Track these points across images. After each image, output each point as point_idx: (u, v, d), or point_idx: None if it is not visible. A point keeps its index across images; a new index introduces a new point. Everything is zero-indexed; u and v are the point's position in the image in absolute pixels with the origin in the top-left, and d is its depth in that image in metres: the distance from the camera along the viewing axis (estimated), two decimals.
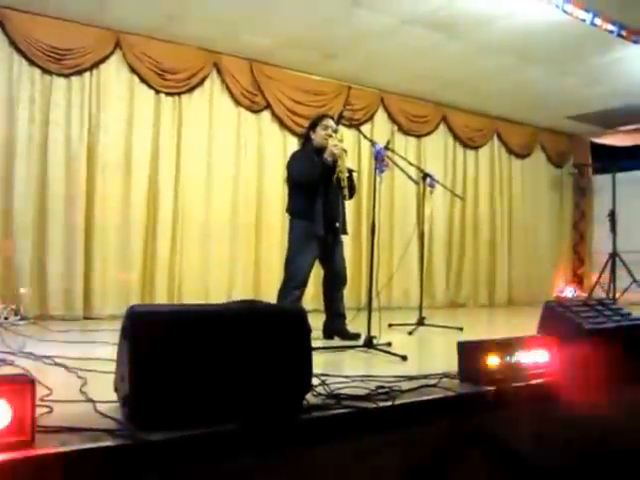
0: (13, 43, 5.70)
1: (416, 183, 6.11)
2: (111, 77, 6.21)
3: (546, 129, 9.89)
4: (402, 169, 5.40)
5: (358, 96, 7.80)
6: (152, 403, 2.01)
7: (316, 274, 5.23)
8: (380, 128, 8.01)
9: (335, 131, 4.80)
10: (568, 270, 10.45)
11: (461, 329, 5.34)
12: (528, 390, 2.86)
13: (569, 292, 10.02)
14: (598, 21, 5.67)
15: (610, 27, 5.80)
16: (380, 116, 8.10)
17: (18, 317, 5.35)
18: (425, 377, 2.88)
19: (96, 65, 6.10)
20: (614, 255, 9.26)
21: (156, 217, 6.41)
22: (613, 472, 3.17)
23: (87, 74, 6.08)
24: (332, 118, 4.93)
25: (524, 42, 6.26)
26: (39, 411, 1.91)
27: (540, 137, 9.90)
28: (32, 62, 5.78)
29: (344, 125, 5.35)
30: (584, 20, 5.62)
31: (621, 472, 3.20)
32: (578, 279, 10.50)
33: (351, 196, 4.77)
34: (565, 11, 5.46)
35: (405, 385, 2.71)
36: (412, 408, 2.48)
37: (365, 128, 7.65)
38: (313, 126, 4.87)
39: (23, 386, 1.80)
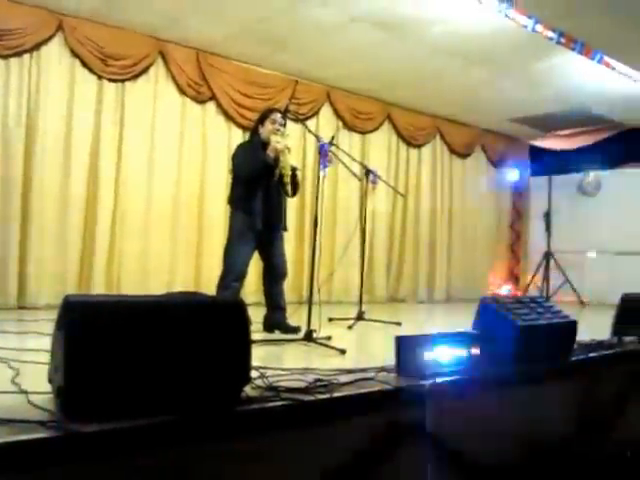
0: None
1: (359, 179, 6.17)
2: (52, 60, 6.04)
3: (487, 130, 10.13)
4: (345, 165, 5.46)
5: (305, 91, 7.81)
6: (87, 394, 1.98)
7: (258, 268, 5.22)
8: (325, 123, 8.05)
9: (283, 125, 4.80)
10: (504, 268, 10.73)
11: (399, 324, 5.44)
12: (461, 384, 2.94)
13: (505, 290, 10.30)
14: (539, 28, 5.85)
15: (550, 34, 5.98)
16: (326, 111, 8.14)
17: None
18: (363, 370, 2.92)
19: (37, 47, 5.92)
20: (548, 255, 9.58)
21: (95, 205, 6.27)
22: (539, 466, 3.29)
23: (27, 56, 5.90)
24: (280, 112, 4.92)
25: (467, 45, 6.39)
26: None
27: (481, 138, 10.13)
28: None
29: (290, 119, 5.35)
30: (526, 26, 5.78)
31: (548, 464, 3.33)
32: (514, 277, 10.80)
33: (294, 194, 4.79)
34: (507, 16, 5.60)
35: (343, 378, 2.75)
36: (350, 401, 2.52)
37: (311, 123, 7.68)
38: (262, 119, 4.85)
39: None
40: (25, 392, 2.25)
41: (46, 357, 2.26)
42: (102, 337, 2.01)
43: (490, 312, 3.46)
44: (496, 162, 10.45)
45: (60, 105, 6.10)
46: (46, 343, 2.34)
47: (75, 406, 1.96)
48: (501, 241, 10.72)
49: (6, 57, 5.78)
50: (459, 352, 3.06)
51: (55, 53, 6.06)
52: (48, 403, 2.09)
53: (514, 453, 3.13)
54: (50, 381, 2.17)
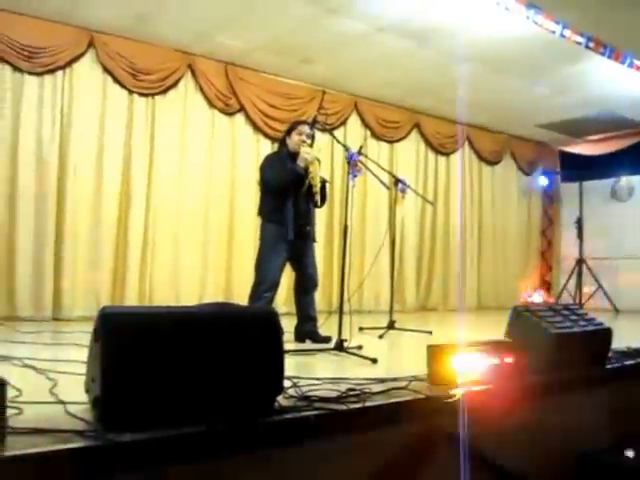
0: None
1: (388, 188, 6.16)
2: (84, 76, 6.16)
3: (516, 137, 10.04)
4: (374, 174, 5.45)
5: (332, 101, 7.84)
6: (123, 404, 2.01)
7: (289, 278, 5.24)
8: (353, 133, 8.07)
9: (311, 137, 4.83)
10: (536, 275, 10.61)
11: (430, 333, 5.41)
12: (494, 393, 2.92)
13: (537, 297, 10.17)
14: (567, 33, 5.80)
15: (579, 39, 5.93)
16: (353, 121, 8.16)
17: None
18: (395, 380, 2.91)
19: (69, 64, 6.05)
20: (581, 261, 9.45)
21: (128, 218, 6.36)
22: (573, 474, 3.24)
23: (60, 73, 6.03)
24: (308, 124, 4.95)
25: (495, 51, 6.36)
26: (9, 412, 1.90)
27: (510, 145, 10.05)
28: (3, 60, 5.71)
29: (318, 130, 5.37)
30: (554, 32, 5.74)
31: (580, 474, 3.28)
32: (546, 285, 10.67)
33: (322, 204, 4.81)
34: (535, 22, 5.57)
35: (375, 387, 2.74)
36: (382, 410, 2.52)
37: (338, 133, 7.70)
38: (289, 131, 4.90)
39: None
40: (63, 402, 2.29)
41: (82, 368, 2.30)
42: (137, 348, 2.04)
43: (522, 320, 3.44)
44: (526, 169, 10.35)
45: (92, 120, 6.21)
46: (81, 354, 2.38)
47: (111, 416, 1.99)
48: (532, 248, 10.60)
49: (40, 74, 5.91)
50: (492, 361, 3.04)
51: (87, 69, 6.19)
52: (85, 413, 2.12)
53: (547, 462, 3.09)
54: (87, 391, 2.20)
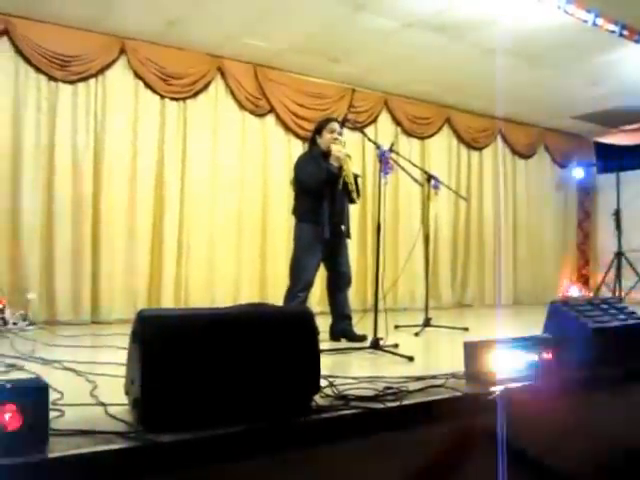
0: (19, 51, 5.74)
1: (420, 185, 6.12)
2: (116, 83, 6.25)
3: (550, 129, 9.89)
4: (406, 171, 5.42)
5: (362, 98, 7.82)
6: (162, 405, 2.04)
7: (322, 277, 5.25)
8: (384, 130, 8.04)
9: (340, 134, 4.82)
10: (573, 269, 10.44)
11: (467, 329, 5.36)
12: (534, 390, 2.88)
13: (574, 291, 10.01)
14: (600, 21, 5.69)
15: (612, 27, 5.81)
16: (384, 118, 8.13)
17: (27, 322, 5.37)
18: (432, 377, 2.90)
19: (101, 71, 6.15)
20: (619, 254, 9.26)
21: (162, 221, 6.44)
22: (622, 473, 3.18)
23: (92, 80, 6.12)
24: (337, 121, 4.95)
25: (526, 43, 6.28)
26: (51, 415, 1.93)
27: (544, 137, 9.90)
28: (38, 69, 5.83)
29: (348, 128, 5.38)
30: (586, 21, 5.64)
31: (629, 472, 3.21)
32: (583, 278, 10.49)
33: (357, 200, 4.80)
34: (567, 12, 5.48)
35: (412, 386, 2.73)
36: (419, 408, 2.50)
37: (369, 130, 7.67)
38: (319, 130, 4.89)
39: (35, 390, 1.83)
40: (103, 404, 2.33)
41: (121, 370, 2.34)
42: (175, 349, 2.07)
43: (560, 315, 3.39)
44: (561, 161, 10.19)
45: (125, 126, 6.30)
46: (120, 356, 2.41)
47: (151, 417, 2.02)
48: (569, 242, 10.43)
49: (73, 82, 6.01)
50: (530, 357, 3.00)
51: (119, 76, 6.27)
52: (125, 414, 2.16)
53: (593, 461, 3.04)
54: (127, 393, 2.24)
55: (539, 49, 6.45)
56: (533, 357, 3.01)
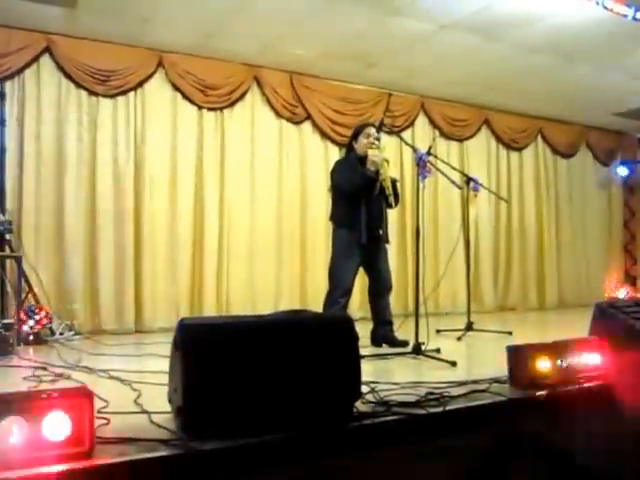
0: (60, 67, 5.89)
1: (460, 188, 6.07)
2: (155, 95, 6.36)
3: (592, 127, 9.68)
4: (445, 174, 5.37)
5: (398, 102, 7.80)
6: (205, 413, 2.05)
7: (363, 282, 5.23)
8: (421, 134, 7.99)
9: (377, 139, 4.81)
10: (620, 270, 10.20)
11: (510, 333, 5.29)
12: (580, 394, 2.82)
13: (621, 293, 9.77)
14: None
15: None
16: (421, 121, 8.08)
17: (72, 332, 5.50)
18: (475, 382, 2.86)
19: (140, 84, 6.26)
20: None
21: (202, 230, 6.51)
22: None
23: (132, 94, 6.24)
24: (374, 126, 4.94)
25: (564, 40, 6.17)
26: (97, 423, 1.97)
27: (586, 135, 9.71)
28: (78, 84, 5.97)
29: (385, 132, 5.36)
30: (625, 15, 5.52)
31: None
32: (631, 279, 10.24)
33: (395, 205, 4.77)
34: (605, 7, 5.37)
35: (455, 391, 2.70)
36: (463, 414, 2.47)
37: (406, 134, 7.65)
38: (356, 135, 4.89)
39: (82, 399, 1.87)
40: (147, 412, 2.36)
41: (164, 378, 2.37)
42: (217, 357, 2.08)
43: (607, 317, 3.31)
44: (604, 159, 9.97)
45: (164, 137, 6.40)
46: (163, 364, 2.44)
47: (194, 425, 2.04)
48: (614, 242, 10.18)
49: (113, 96, 6.14)
50: (576, 360, 2.93)
51: (157, 88, 6.38)
52: (169, 422, 2.18)
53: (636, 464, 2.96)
54: (170, 401, 2.26)
55: (577, 46, 6.33)
56: (579, 360, 2.94)
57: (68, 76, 5.93)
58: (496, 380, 2.87)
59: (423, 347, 4.08)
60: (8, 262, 5.36)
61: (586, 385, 2.88)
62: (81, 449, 1.81)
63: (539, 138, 9.19)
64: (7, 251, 5.16)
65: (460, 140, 8.41)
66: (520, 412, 2.60)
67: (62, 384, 3.05)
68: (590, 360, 2.97)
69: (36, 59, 5.81)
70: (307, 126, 7.29)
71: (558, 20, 5.71)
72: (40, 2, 5.19)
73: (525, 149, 9.05)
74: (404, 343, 4.53)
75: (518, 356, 2.85)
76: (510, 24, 5.81)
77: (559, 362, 2.87)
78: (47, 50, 5.83)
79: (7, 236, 5.11)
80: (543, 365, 2.81)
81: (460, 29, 5.89)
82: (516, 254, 8.85)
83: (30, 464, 1.72)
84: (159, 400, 2.38)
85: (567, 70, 7.06)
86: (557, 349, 2.90)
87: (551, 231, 9.25)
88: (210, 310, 6.38)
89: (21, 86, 5.78)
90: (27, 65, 5.77)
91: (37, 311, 5.12)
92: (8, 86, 5.71)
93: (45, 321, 5.13)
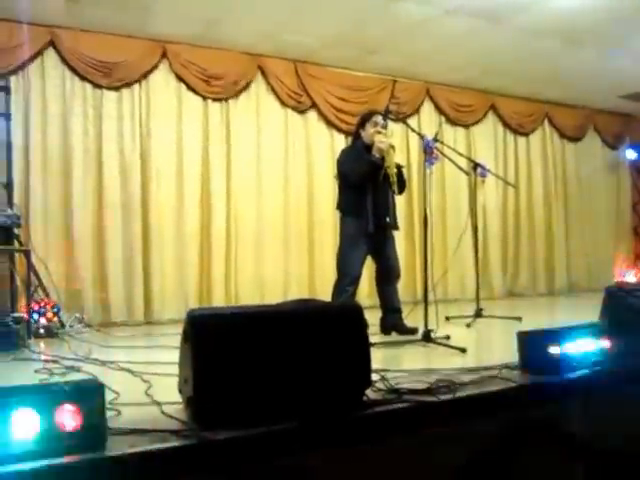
0: (64, 60, 5.88)
1: (467, 174, 6.04)
2: (159, 87, 6.34)
3: (598, 110, 9.60)
4: (452, 160, 5.35)
5: (403, 89, 7.75)
6: (215, 403, 2.06)
7: (371, 270, 5.22)
8: (427, 120, 7.95)
9: (384, 127, 4.78)
10: (629, 254, 10.14)
11: (520, 319, 5.26)
12: (590, 378, 2.81)
13: (631, 276, 9.72)
14: None
15: None
16: (427, 108, 8.04)
17: (83, 325, 5.52)
18: (485, 369, 2.85)
19: (144, 76, 6.24)
20: None
21: (210, 220, 6.52)
22: None
23: (136, 85, 6.23)
24: (381, 114, 4.90)
25: (569, 23, 6.11)
26: (108, 414, 1.97)
27: (593, 119, 9.62)
28: (83, 77, 5.96)
29: (391, 119, 5.32)
30: None
31: None
32: None
33: (401, 191, 4.73)
34: None
35: (465, 377, 2.70)
36: (473, 400, 2.47)
37: (412, 121, 7.59)
38: (362, 123, 4.86)
39: (93, 391, 1.87)
40: (158, 403, 2.36)
41: (174, 369, 2.37)
42: (226, 347, 2.08)
43: (617, 301, 3.29)
44: (612, 142, 9.89)
45: (170, 128, 6.39)
46: (173, 355, 2.45)
47: (205, 415, 2.04)
48: (623, 225, 10.12)
49: (118, 89, 6.13)
50: (586, 345, 2.92)
51: (161, 80, 6.36)
52: (180, 413, 2.19)
53: None
54: (180, 392, 2.27)
55: (582, 28, 6.25)
56: (589, 345, 2.93)
57: (72, 69, 5.92)
58: (506, 366, 2.86)
59: (433, 334, 4.08)
60: (17, 256, 5.37)
61: (596, 369, 2.86)
62: (93, 440, 1.81)
63: (546, 122, 9.13)
64: (16, 245, 5.17)
65: (466, 126, 8.36)
66: (531, 398, 2.59)
67: (73, 376, 3.06)
68: (600, 345, 2.96)
69: (40, 53, 5.80)
70: (312, 115, 7.27)
71: (561, 3, 5.65)
72: None
73: (532, 134, 8.98)
74: (413, 330, 4.51)
75: (528, 342, 2.84)
76: (514, 8, 5.74)
77: (569, 347, 2.85)
78: (51, 43, 5.82)
79: (15, 230, 5.12)
80: (553, 350, 2.80)
81: (464, 13, 5.83)
82: (524, 239, 8.81)
83: (42, 456, 1.72)
84: (169, 391, 2.38)
85: (571, 53, 6.99)
86: (567, 334, 2.89)
87: (559, 216, 9.20)
88: (219, 300, 6.39)
89: (26, 80, 5.77)
90: (31, 59, 5.76)
91: (43, 304, 5.14)
92: (13, 81, 5.71)
93: (50, 314, 5.14)
